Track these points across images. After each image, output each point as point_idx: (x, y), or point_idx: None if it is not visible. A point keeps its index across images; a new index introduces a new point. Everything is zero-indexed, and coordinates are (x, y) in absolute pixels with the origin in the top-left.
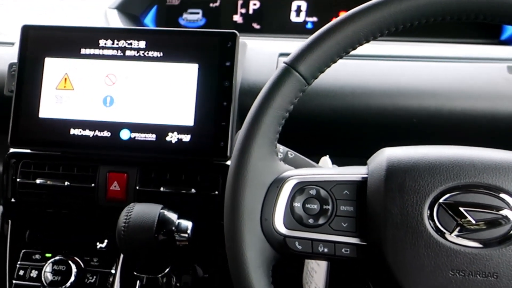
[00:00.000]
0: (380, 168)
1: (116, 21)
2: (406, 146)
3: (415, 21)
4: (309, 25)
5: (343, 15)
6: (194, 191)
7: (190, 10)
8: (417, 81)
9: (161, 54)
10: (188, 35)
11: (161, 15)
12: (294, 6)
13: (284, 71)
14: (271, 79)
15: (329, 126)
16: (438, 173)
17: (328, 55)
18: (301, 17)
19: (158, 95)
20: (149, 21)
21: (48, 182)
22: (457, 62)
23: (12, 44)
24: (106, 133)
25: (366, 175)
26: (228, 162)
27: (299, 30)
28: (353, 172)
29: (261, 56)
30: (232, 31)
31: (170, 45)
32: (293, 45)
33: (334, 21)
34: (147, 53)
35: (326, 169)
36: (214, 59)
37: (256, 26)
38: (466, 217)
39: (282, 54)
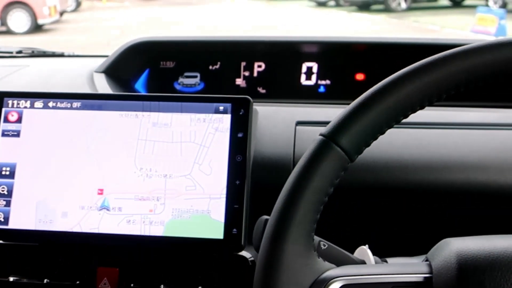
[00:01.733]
0: (448, 266)
1: (104, 87)
2: (470, 235)
3: (480, 82)
4: (321, 89)
5: (393, 76)
6: None
7: (186, 74)
8: (462, 152)
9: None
10: (190, 101)
11: (153, 79)
12: (304, 67)
13: (322, 145)
14: (306, 156)
15: (358, 207)
16: None
17: (376, 125)
18: (313, 80)
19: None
20: (140, 86)
21: (24, 280)
22: (507, 129)
23: None
24: None
25: (429, 275)
26: (243, 253)
27: (310, 94)
28: (412, 271)
29: (276, 125)
30: (244, 97)
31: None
32: (311, 111)
33: (382, 83)
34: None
35: (375, 266)
36: (223, 130)
37: (261, 90)
38: None
39: (300, 123)
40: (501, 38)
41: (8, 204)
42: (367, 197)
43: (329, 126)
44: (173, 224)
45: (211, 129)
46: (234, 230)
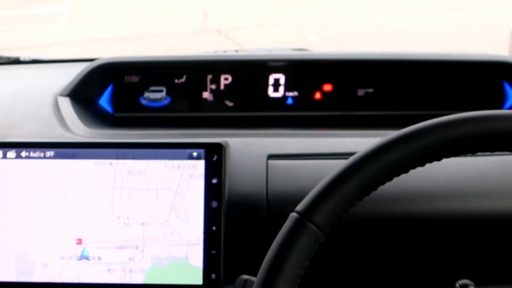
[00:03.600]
0: None
1: (69, 109)
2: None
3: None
4: (289, 101)
5: (363, 149)
6: None
7: (152, 88)
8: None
9: None
10: (164, 148)
11: (118, 95)
12: (271, 79)
13: (296, 223)
14: (282, 234)
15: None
16: None
17: (349, 200)
18: (280, 92)
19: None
20: (104, 102)
21: None
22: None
23: None
24: None
25: None
26: None
27: (278, 106)
28: None
29: (247, 160)
30: (217, 143)
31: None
32: (282, 143)
33: (352, 158)
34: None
35: None
36: (198, 176)
37: (229, 103)
38: None
39: (271, 156)
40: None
41: None
42: (378, 229)
43: (303, 204)
44: (153, 272)
45: (185, 176)
46: (213, 275)
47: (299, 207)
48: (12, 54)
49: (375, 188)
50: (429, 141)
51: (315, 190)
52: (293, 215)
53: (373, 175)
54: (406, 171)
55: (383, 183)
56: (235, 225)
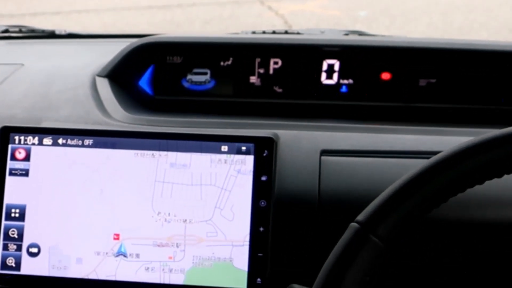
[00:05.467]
0: None
1: (107, 92)
2: None
3: None
4: (343, 89)
5: (434, 158)
6: None
7: (195, 70)
8: None
9: None
10: (210, 140)
11: (159, 76)
12: (324, 65)
13: (357, 236)
14: (341, 246)
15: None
16: None
17: (421, 210)
18: (334, 79)
19: None
20: (144, 83)
21: None
22: None
23: None
24: None
25: None
26: None
27: (331, 94)
28: None
29: (298, 155)
30: (268, 137)
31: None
32: (336, 137)
33: (421, 167)
34: None
35: None
36: (246, 172)
37: (277, 89)
38: None
39: (325, 152)
40: None
41: (19, 248)
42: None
43: (365, 213)
44: (194, 272)
45: (233, 171)
46: (258, 279)
47: (361, 216)
48: (42, 20)
49: (452, 196)
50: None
51: (381, 197)
52: (354, 225)
53: (455, 182)
54: (491, 178)
55: (463, 190)
56: (283, 226)
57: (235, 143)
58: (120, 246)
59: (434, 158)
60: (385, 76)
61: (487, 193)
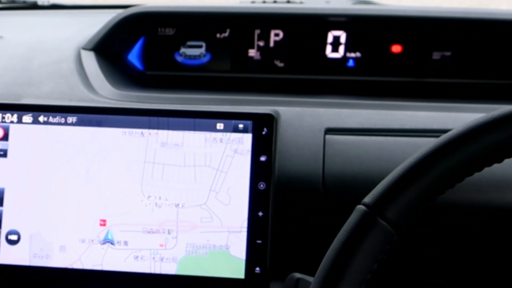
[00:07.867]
0: None
1: (94, 66)
2: None
3: None
4: (350, 63)
5: (449, 134)
6: None
7: (189, 43)
8: None
9: None
10: (205, 117)
11: (150, 49)
12: (330, 37)
13: (364, 220)
14: (346, 231)
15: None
16: None
17: (434, 191)
18: (340, 52)
19: None
20: (134, 57)
21: None
22: None
23: None
24: None
25: None
26: None
27: (337, 69)
28: None
29: (301, 134)
30: (268, 113)
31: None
32: (342, 114)
33: (435, 144)
34: None
35: None
36: (243, 152)
37: (279, 64)
38: None
39: (330, 130)
40: None
41: None
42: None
43: (373, 194)
44: (187, 261)
45: (229, 151)
46: (257, 269)
47: (369, 198)
48: None
49: (468, 175)
50: None
51: (390, 177)
52: (361, 207)
53: (471, 159)
54: (500, 159)
55: (480, 169)
56: (284, 210)
57: (232, 121)
58: (107, 233)
59: (449, 134)
60: (396, 48)
61: (506, 174)
